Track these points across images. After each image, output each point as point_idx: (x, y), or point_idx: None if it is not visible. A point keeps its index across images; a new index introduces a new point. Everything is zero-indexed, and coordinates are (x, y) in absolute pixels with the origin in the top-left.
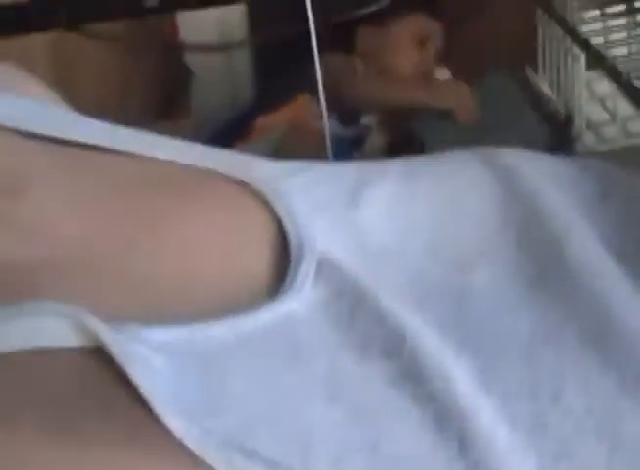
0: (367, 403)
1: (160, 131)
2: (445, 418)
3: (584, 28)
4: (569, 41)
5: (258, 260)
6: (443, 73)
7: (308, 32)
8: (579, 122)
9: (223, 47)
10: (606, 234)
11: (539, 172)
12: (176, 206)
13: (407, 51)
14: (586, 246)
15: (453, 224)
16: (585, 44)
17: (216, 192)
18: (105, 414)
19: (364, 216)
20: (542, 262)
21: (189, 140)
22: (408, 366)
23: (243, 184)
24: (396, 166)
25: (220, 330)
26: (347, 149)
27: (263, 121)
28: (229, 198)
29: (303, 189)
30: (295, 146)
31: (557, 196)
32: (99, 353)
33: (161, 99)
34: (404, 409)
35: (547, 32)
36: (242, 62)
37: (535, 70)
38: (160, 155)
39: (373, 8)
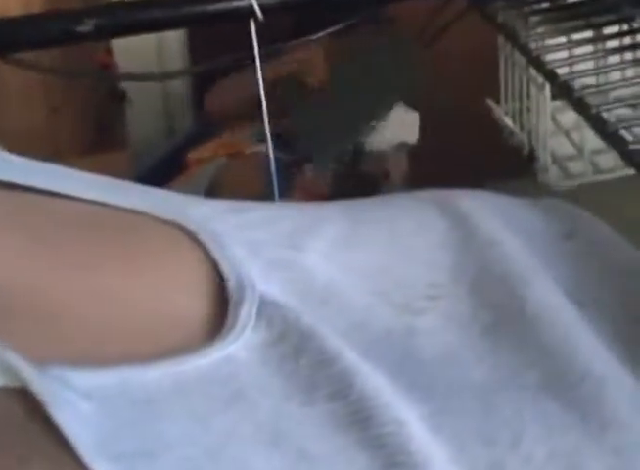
0: (311, 449)
1: (95, 164)
2: (396, 464)
3: (549, 57)
4: (532, 70)
5: (195, 303)
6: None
7: (251, 61)
8: (544, 157)
9: (161, 76)
10: (567, 278)
11: (496, 217)
12: (106, 249)
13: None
14: (546, 292)
15: (401, 269)
16: (550, 74)
17: (148, 234)
18: (27, 455)
19: (305, 260)
20: (498, 310)
21: (126, 174)
22: (356, 409)
23: (176, 225)
24: (340, 210)
25: (155, 374)
26: (286, 174)
27: (197, 154)
28: (161, 240)
29: (240, 230)
30: (232, 176)
31: (514, 242)
32: (23, 394)
33: (96, 130)
34: (351, 456)
35: (509, 61)
36: (180, 90)
37: (497, 100)
38: (89, 195)
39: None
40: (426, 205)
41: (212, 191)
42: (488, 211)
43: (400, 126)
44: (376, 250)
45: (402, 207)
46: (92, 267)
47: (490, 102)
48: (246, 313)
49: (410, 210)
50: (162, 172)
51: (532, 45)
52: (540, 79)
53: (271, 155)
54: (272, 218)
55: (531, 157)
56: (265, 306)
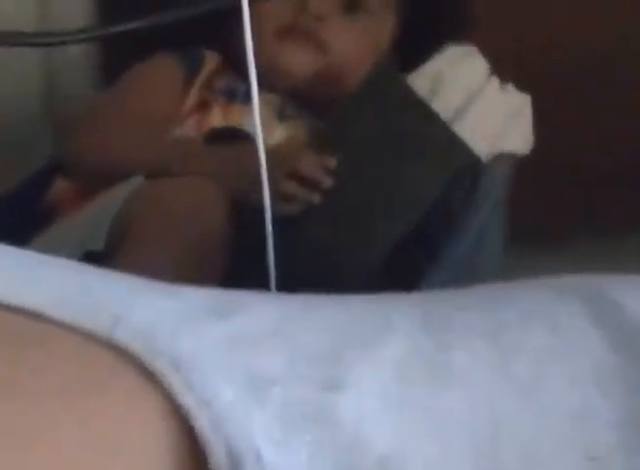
0: None
1: None
2: None
3: None
4: None
5: None
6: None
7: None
8: None
9: (44, 38)
10: None
11: None
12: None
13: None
14: None
15: (527, 423)
16: None
17: (58, 360)
18: None
19: (350, 408)
20: None
21: None
22: None
23: (109, 343)
24: (413, 311)
25: None
26: None
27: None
28: (82, 369)
29: (231, 348)
30: (160, 205)
31: None
32: None
33: None
34: None
35: None
36: (74, 62)
37: None
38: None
39: None
40: (565, 304)
41: (120, 232)
42: None
43: (499, 122)
44: (478, 388)
45: (523, 306)
46: None
47: None
48: None
49: (537, 312)
50: (36, 194)
51: None
52: None
53: (263, 163)
54: (289, 325)
55: None
56: None
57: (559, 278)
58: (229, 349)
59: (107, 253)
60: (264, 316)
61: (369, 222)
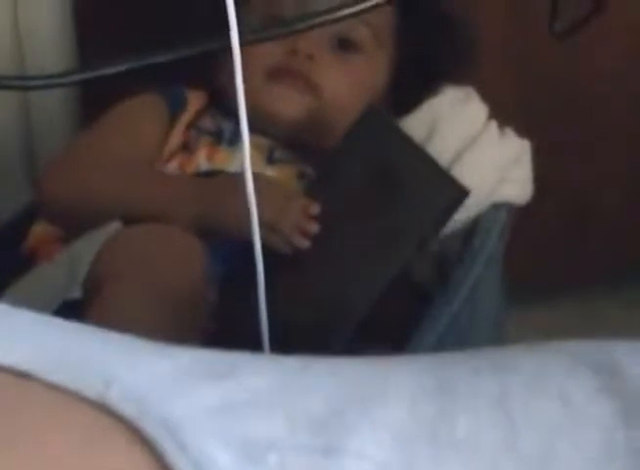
0: None
1: None
2: None
3: None
4: None
5: None
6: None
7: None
8: None
9: (25, 82)
10: None
11: None
12: None
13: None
14: None
15: None
16: None
17: (45, 422)
18: None
19: None
20: None
21: None
22: None
23: (97, 404)
24: (411, 376)
25: None
26: None
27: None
28: (66, 431)
29: (226, 414)
30: (141, 254)
31: None
32: None
33: None
34: None
35: None
36: (53, 105)
37: None
38: None
39: None
40: (576, 372)
41: (96, 279)
42: None
43: (496, 169)
44: (481, 460)
45: (532, 373)
46: None
47: None
48: None
49: (547, 380)
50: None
51: None
52: None
53: (254, 212)
54: (286, 388)
55: None
56: None
57: (570, 343)
58: (224, 413)
59: (84, 299)
60: (260, 379)
61: (358, 269)
